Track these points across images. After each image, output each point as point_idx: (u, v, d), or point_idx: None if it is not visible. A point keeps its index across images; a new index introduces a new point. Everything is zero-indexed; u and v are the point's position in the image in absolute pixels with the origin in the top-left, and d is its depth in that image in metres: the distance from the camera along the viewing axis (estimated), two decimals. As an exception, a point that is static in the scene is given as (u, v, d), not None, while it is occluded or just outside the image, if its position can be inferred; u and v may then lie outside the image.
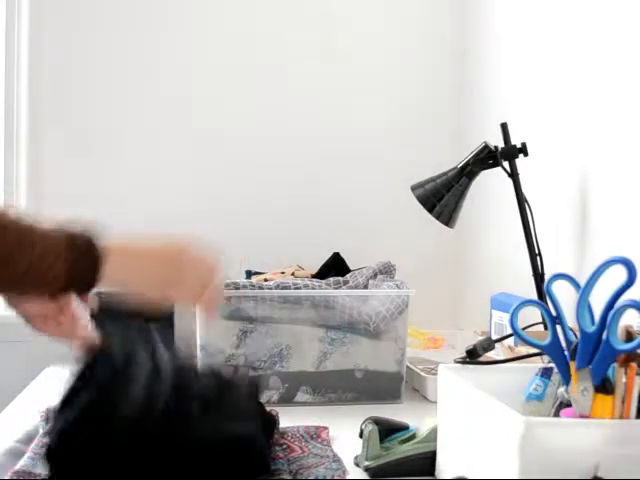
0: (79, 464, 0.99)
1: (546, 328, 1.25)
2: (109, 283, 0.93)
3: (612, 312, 0.87)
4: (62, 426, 1.01)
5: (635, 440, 0.83)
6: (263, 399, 1.40)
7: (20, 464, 1.06)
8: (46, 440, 1.11)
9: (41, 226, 0.90)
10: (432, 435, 1.08)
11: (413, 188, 1.77)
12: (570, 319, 0.95)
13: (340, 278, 1.59)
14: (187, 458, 0.99)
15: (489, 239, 2.19)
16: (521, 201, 1.69)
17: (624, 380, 0.87)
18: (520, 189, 1.69)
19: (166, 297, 0.99)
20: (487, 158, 1.72)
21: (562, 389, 0.94)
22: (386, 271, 1.65)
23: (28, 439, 1.17)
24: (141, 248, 0.98)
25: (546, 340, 0.95)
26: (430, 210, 1.73)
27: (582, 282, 0.91)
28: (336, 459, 1.12)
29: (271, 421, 1.18)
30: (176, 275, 0.98)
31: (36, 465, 1.05)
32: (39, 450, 1.10)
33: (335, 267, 1.81)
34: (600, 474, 0.81)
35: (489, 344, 1.14)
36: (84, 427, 0.99)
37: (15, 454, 1.12)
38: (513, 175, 1.70)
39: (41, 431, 1.18)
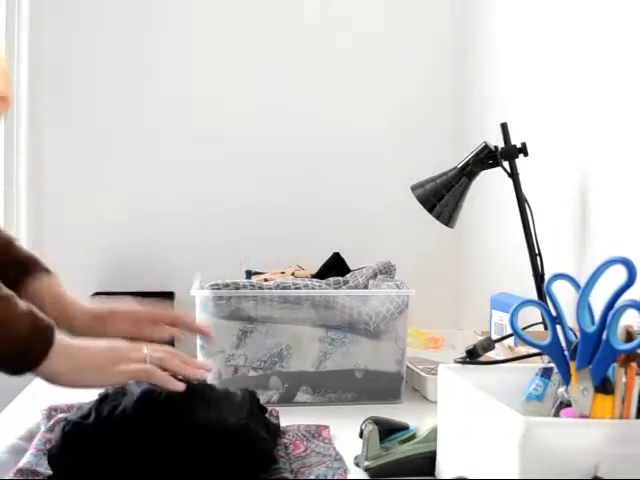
0: (82, 460, 1.00)
1: (546, 328, 1.25)
2: (51, 369, 1.01)
3: (612, 312, 0.87)
4: (65, 426, 1.02)
5: (635, 440, 0.83)
6: (263, 399, 1.41)
7: (23, 461, 1.06)
8: (50, 436, 1.12)
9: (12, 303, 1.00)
10: (432, 435, 1.08)
11: (413, 188, 1.77)
12: (570, 319, 0.95)
13: (340, 278, 1.59)
14: (183, 448, 1.01)
15: (489, 239, 2.19)
16: (521, 201, 1.69)
17: (624, 380, 0.87)
18: (520, 189, 1.69)
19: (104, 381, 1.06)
20: (487, 158, 1.72)
21: (562, 389, 0.94)
22: (386, 271, 1.65)
23: (30, 436, 1.17)
24: (84, 345, 1.08)
25: (546, 340, 0.95)
26: (430, 210, 1.73)
27: (582, 282, 0.91)
28: (337, 458, 1.12)
29: (275, 431, 1.19)
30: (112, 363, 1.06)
31: (39, 462, 1.06)
32: (42, 447, 1.10)
33: (335, 267, 1.81)
34: (600, 474, 0.81)
35: (489, 344, 1.14)
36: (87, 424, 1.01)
37: (17, 451, 1.12)
38: (513, 175, 1.70)
39: (43, 428, 1.18)
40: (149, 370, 1.05)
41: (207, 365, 1.19)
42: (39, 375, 1.02)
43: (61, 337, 1.03)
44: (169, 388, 1.05)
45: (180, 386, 1.06)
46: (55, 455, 1.01)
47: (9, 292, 1.01)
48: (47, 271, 1.24)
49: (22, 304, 1.01)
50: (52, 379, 1.03)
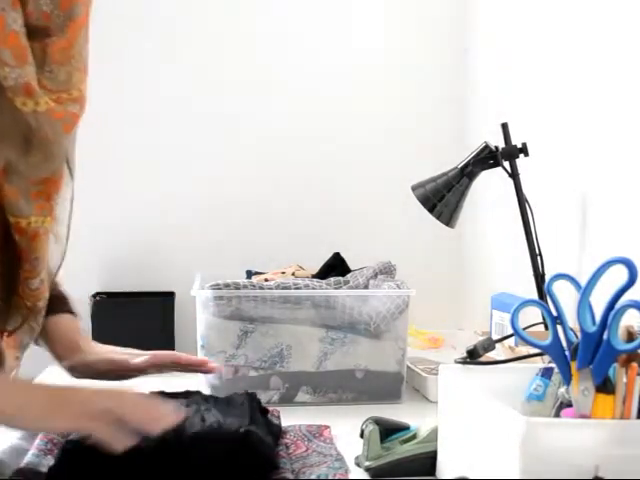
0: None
1: (547, 328, 1.25)
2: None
3: (613, 312, 0.87)
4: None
5: (636, 440, 0.83)
6: (264, 399, 1.41)
7: (25, 461, 1.06)
8: (51, 436, 1.12)
9: None
10: (433, 435, 1.08)
11: (413, 188, 1.77)
12: (571, 319, 0.95)
13: (340, 278, 1.59)
14: (186, 454, 1.00)
15: (489, 239, 2.19)
16: (521, 201, 1.69)
17: (625, 380, 0.87)
18: (520, 189, 1.69)
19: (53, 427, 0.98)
20: (488, 158, 1.72)
21: (563, 389, 0.94)
22: (386, 271, 1.65)
23: (30, 436, 1.17)
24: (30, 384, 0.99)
25: (547, 340, 0.95)
26: (431, 210, 1.73)
27: (583, 282, 0.91)
28: (339, 458, 1.12)
29: (277, 431, 1.19)
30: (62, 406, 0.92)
31: (40, 462, 1.05)
32: (43, 447, 1.10)
33: (335, 267, 1.81)
34: (601, 474, 0.81)
35: (490, 344, 1.14)
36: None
37: (17, 451, 1.12)
38: (514, 175, 1.70)
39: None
40: (95, 427, 0.90)
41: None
42: None
43: (4, 374, 0.99)
44: (110, 448, 0.89)
45: (119, 449, 0.89)
46: (55, 474, 1.01)
47: None
48: (70, 312, 1.21)
49: None
50: None
